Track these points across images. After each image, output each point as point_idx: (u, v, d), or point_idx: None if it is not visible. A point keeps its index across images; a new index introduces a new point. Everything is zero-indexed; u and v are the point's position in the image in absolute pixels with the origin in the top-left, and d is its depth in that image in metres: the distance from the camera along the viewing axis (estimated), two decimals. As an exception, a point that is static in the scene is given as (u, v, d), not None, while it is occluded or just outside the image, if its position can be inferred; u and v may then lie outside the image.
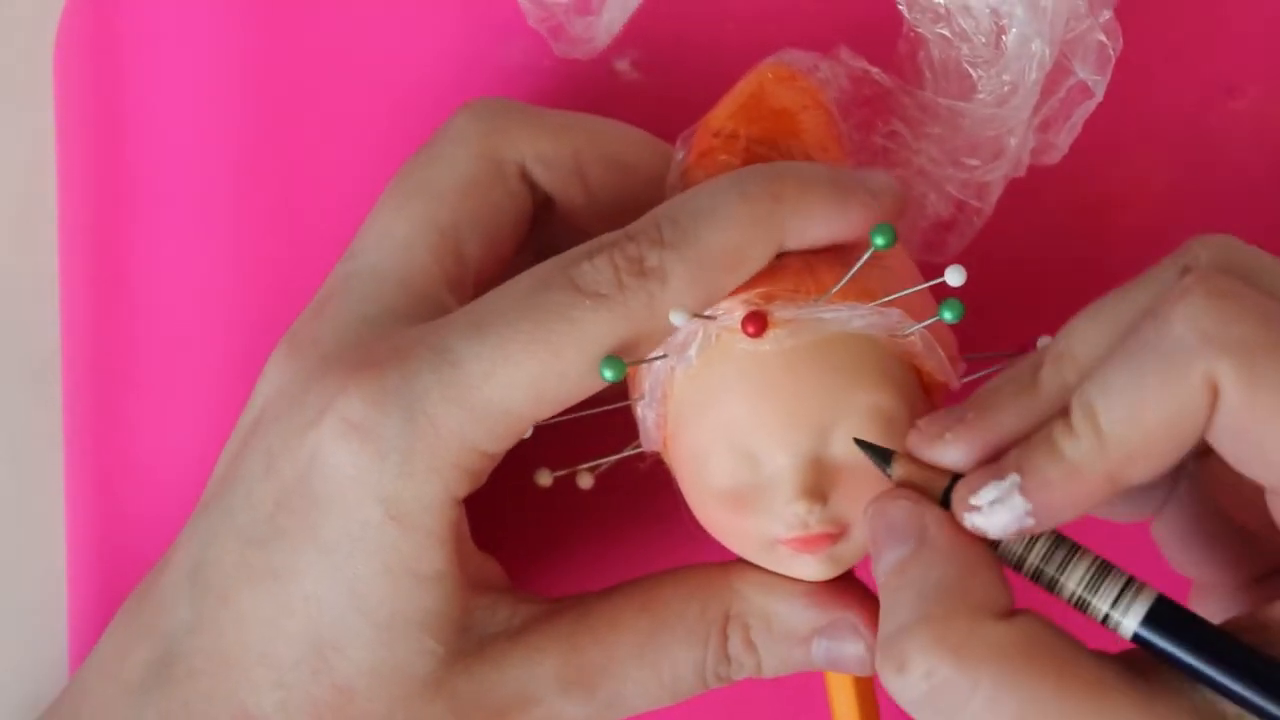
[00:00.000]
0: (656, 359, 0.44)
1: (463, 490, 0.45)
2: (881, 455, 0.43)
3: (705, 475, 0.45)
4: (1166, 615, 0.40)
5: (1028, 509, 0.40)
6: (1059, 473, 0.40)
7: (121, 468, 0.54)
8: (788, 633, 0.46)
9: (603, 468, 0.48)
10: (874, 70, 0.47)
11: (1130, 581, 0.41)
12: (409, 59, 0.54)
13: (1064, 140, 0.48)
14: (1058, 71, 0.47)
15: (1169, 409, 0.39)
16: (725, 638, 0.46)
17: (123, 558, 0.54)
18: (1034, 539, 0.41)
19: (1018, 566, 0.41)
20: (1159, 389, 0.39)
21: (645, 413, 0.45)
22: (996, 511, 0.41)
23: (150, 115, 0.55)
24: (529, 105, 0.50)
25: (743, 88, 0.47)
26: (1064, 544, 0.41)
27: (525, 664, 0.46)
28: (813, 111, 0.47)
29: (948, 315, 0.43)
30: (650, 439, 0.46)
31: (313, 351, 0.46)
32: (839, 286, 0.44)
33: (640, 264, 0.44)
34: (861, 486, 0.44)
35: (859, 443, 0.43)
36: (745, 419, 0.44)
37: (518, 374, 0.43)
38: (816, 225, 0.44)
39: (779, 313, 0.44)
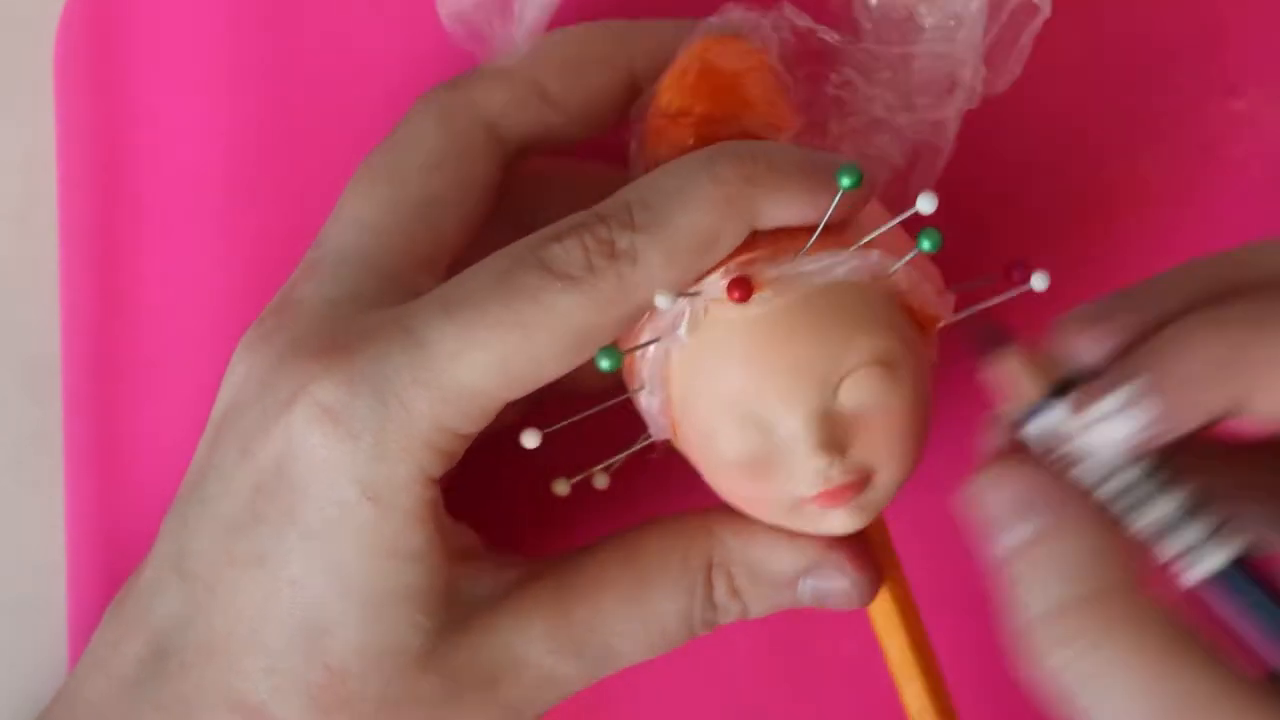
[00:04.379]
0: (649, 344, 0.44)
1: (437, 469, 0.45)
2: (994, 340, 0.42)
3: (719, 450, 0.44)
4: (1248, 569, 0.40)
5: (1156, 412, 0.40)
6: (1206, 358, 0.39)
7: (121, 467, 0.54)
8: (772, 577, 0.47)
9: (615, 465, 0.48)
10: (819, 28, 0.47)
11: (1220, 527, 0.40)
12: (412, 59, 0.54)
13: (1014, 65, 0.48)
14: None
15: None
16: (710, 586, 0.47)
17: (123, 556, 0.54)
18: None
19: (1103, 490, 0.40)
20: None
21: (649, 401, 0.45)
22: (1123, 418, 0.40)
23: (150, 114, 0.55)
24: (474, 69, 0.49)
25: (685, 61, 0.47)
26: (1165, 467, 0.40)
27: (513, 629, 0.46)
28: (758, 74, 0.47)
29: (926, 245, 0.43)
30: (658, 427, 0.46)
31: (279, 337, 0.46)
32: (814, 238, 0.44)
33: (611, 246, 0.43)
34: (877, 430, 0.44)
35: (968, 325, 0.43)
36: (749, 387, 0.44)
37: (486, 355, 0.43)
38: (787, 208, 0.44)
39: (762, 274, 0.44)
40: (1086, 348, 0.41)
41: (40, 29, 0.55)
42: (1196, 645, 0.38)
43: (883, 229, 0.44)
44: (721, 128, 0.46)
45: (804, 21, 0.47)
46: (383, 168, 0.48)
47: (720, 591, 0.47)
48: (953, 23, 0.47)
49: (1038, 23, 0.47)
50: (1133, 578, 0.39)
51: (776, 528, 0.46)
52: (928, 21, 0.47)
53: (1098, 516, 0.40)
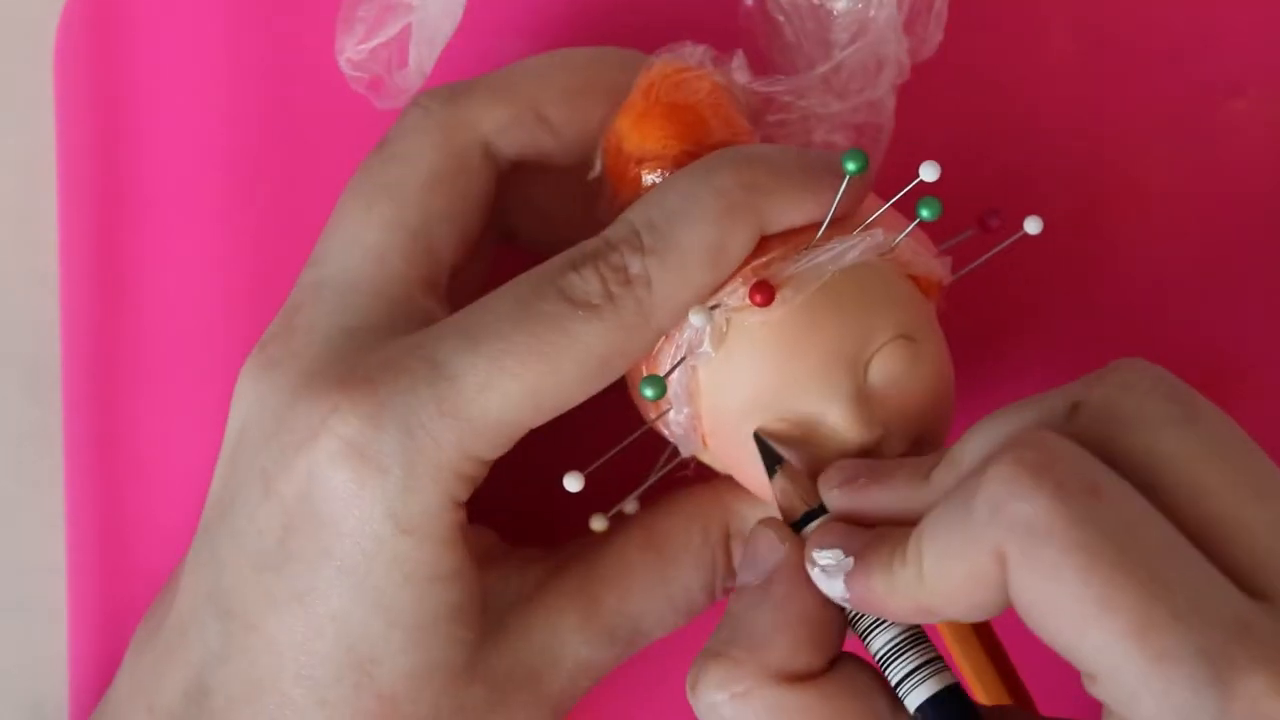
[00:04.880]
0: (678, 365, 0.45)
1: (465, 494, 0.45)
2: (771, 459, 0.44)
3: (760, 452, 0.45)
4: (948, 705, 0.41)
5: (845, 595, 0.42)
6: (882, 585, 0.41)
7: (121, 467, 0.54)
8: None
9: (644, 490, 0.48)
10: (757, 83, 0.47)
11: (930, 662, 0.42)
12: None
13: (934, 32, 0.48)
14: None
15: (969, 571, 0.39)
16: (730, 556, 0.48)
17: (123, 557, 0.54)
18: None
19: (840, 609, 0.43)
20: (961, 551, 0.39)
21: (677, 419, 0.45)
22: (823, 578, 0.42)
23: (151, 114, 0.55)
24: (475, 79, 0.49)
25: (642, 102, 0.47)
26: None
27: (547, 627, 0.47)
28: (713, 97, 0.47)
29: (925, 213, 0.43)
30: (688, 444, 0.46)
31: (291, 365, 0.46)
32: (824, 227, 0.44)
33: (625, 272, 0.44)
34: (911, 400, 0.44)
35: (756, 439, 0.44)
36: (784, 385, 0.44)
37: (515, 385, 0.43)
38: (795, 209, 0.44)
39: (779, 274, 0.44)
40: (830, 498, 0.43)
41: (40, 29, 0.55)
42: None
43: (889, 203, 0.44)
44: (691, 161, 0.46)
45: (744, 77, 0.47)
46: (382, 186, 0.48)
47: (739, 559, 0.48)
48: (861, 4, 0.47)
49: None
50: (779, 665, 0.42)
51: None
52: (839, 6, 0.47)
53: (792, 600, 0.42)
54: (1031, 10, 0.54)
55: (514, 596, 0.47)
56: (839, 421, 0.44)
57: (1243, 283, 0.54)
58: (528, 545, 0.49)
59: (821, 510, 0.43)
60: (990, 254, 0.46)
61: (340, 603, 0.45)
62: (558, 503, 0.46)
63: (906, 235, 0.45)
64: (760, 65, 0.48)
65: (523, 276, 0.45)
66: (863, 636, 0.43)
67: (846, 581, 0.41)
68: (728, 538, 0.48)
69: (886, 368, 0.44)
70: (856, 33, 0.47)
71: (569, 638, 0.47)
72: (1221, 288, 0.54)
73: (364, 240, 0.47)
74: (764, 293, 0.43)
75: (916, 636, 0.42)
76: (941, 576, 0.39)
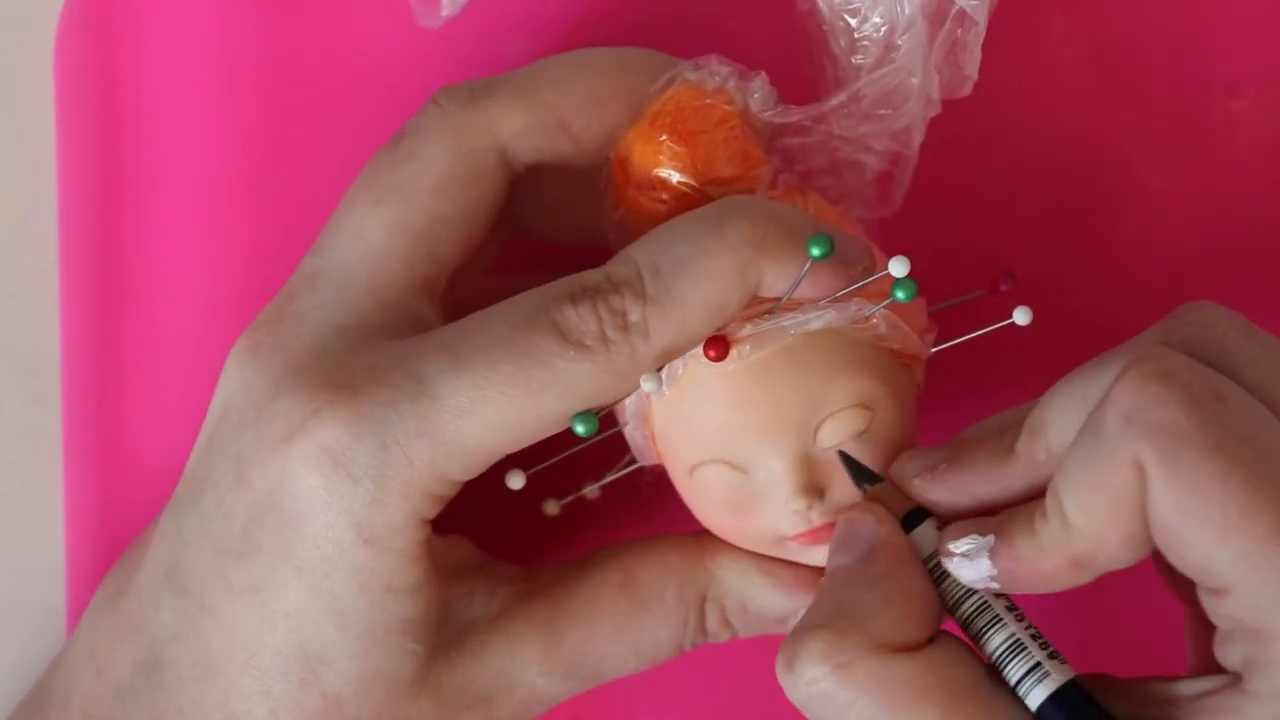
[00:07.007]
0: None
1: (432, 513, 0.45)
2: (864, 476, 0.44)
3: (702, 489, 0.45)
4: (1068, 702, 0.41)
5: (993, 573, 0.42)
6: (1029, 550, 0.41)
7: (121, 467, 0.54)
8: (763, 614, 0.47)
9: (607, 483, 0.48)
10: (772, 113, 0.47)
11: (1043, 662, 0.42)
12: (414, 55, 0.54)
13: (971, 69, 0.48)
14: (943, 2, 0.47)
15: (1111, 498, 0.39)
16: (703, 616, 0.47)
17: (122, 557, 0.54)
18: (973, 591, 0.43)
19: (953, 610, 0.43)
20: (1099, 478, 0.39)
21: (634, 435, 0.46)
22: (965, 564, 0.42)
23: (150, 114, 0.55)
24: (495, 79, 0.48)
25: (652, 123, 0.47)
26: (999, 604, 0.42)
27: (505, 651, 0.47)
28: (726, 127, 0.46)
29: (900, 296, 0.44)
30: (645, 456, 0.46)
31: (278, 357, 0.46)
32: (786, 297, 0.44)
33: (624, 317, 0.44)
34: None
35: (843, 457, 0.44)
36: (729, 434, 0.44)
37: (495, 415, 0.43)
38: (788, 282, 0.44)
39: (738, 331, 0.44)
40: (927, 494, 0.44)
41: (40, 29, 0.55)
42: (928, 708, 0.41)
43: (852, 287, 0.44)
44: (696, 196, 0.46)
45: (769, 103, 0.47)
46: (391, 184, 0.48)
47: (712, 620, 0.47)
48: (884, 30, 0.47)
49: (979, 31, 0.47)
50: (885, 635, 0.41)
51: (772, 560, 0.47)
52: (863, 29, 0.47)
53: (896, 577, 0.42)
54: (1031, 11, 0.54)
55: (478, 615, 0.47)
56: (775, 479, 0.44)
57: (1243, 281, 0.54)
58: (506, 561, 0.49)
59: (918, 512, 0.43)
60: (975, 335, 0.46)
61: (295, 601, 0.45)
62: (543, 520, 0.47)
63: (882, 309, 0.45)
64: (809, 68, 0.48)
65: (520, 298, 0.45)
66: (975, 639, 0.43)
67: (993, 557, 0.41)
68: (704, 600, 0.47)
69: (838, 434, 0.44)
70: (881, 58, 0.47)
71: (527, 668, 0.47)
72: (1222, 286, 0.54)
73: (365, 237, 0.47)
74: (718, 348, 0.43)
75: (1030, 639, 0.42)
76: (1086, 515, 0.40)
